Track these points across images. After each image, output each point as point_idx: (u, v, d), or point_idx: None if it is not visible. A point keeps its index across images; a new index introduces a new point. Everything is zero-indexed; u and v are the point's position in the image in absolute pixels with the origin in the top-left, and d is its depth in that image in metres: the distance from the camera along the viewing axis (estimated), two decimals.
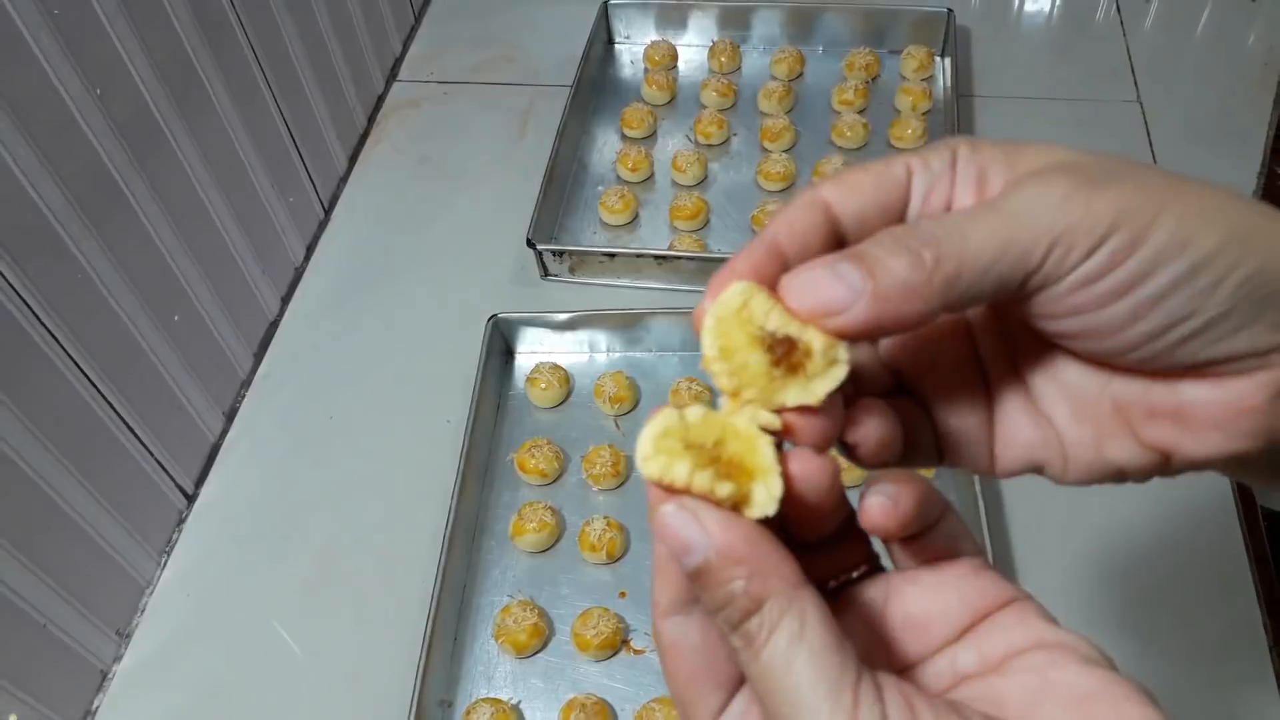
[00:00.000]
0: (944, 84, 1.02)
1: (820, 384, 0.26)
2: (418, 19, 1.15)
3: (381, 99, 1.06)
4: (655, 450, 0.25)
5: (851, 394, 0.29)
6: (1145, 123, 0.98)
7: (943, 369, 0.31)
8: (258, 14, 0.82)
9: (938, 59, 1.04)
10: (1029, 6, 1.12)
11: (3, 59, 0.57)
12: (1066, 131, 0.97)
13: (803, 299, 0.26)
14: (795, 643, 0.24)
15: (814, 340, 0.26)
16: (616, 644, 0.66)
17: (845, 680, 0.24)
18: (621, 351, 0.82)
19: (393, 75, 1.09)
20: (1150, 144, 0.96)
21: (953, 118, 0.94)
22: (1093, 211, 0.25)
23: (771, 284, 0.27)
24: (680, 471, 0.25)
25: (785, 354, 0.26)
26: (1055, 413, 0.30)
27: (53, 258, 0.61)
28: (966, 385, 0.31)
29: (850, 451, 0.29)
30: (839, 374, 0.26)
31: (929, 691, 0.26)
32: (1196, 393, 0.27)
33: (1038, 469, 0.31)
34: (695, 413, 0.26)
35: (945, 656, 0.28)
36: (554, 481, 0.75)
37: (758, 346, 0.26)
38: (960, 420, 0.31)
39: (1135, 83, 1.02)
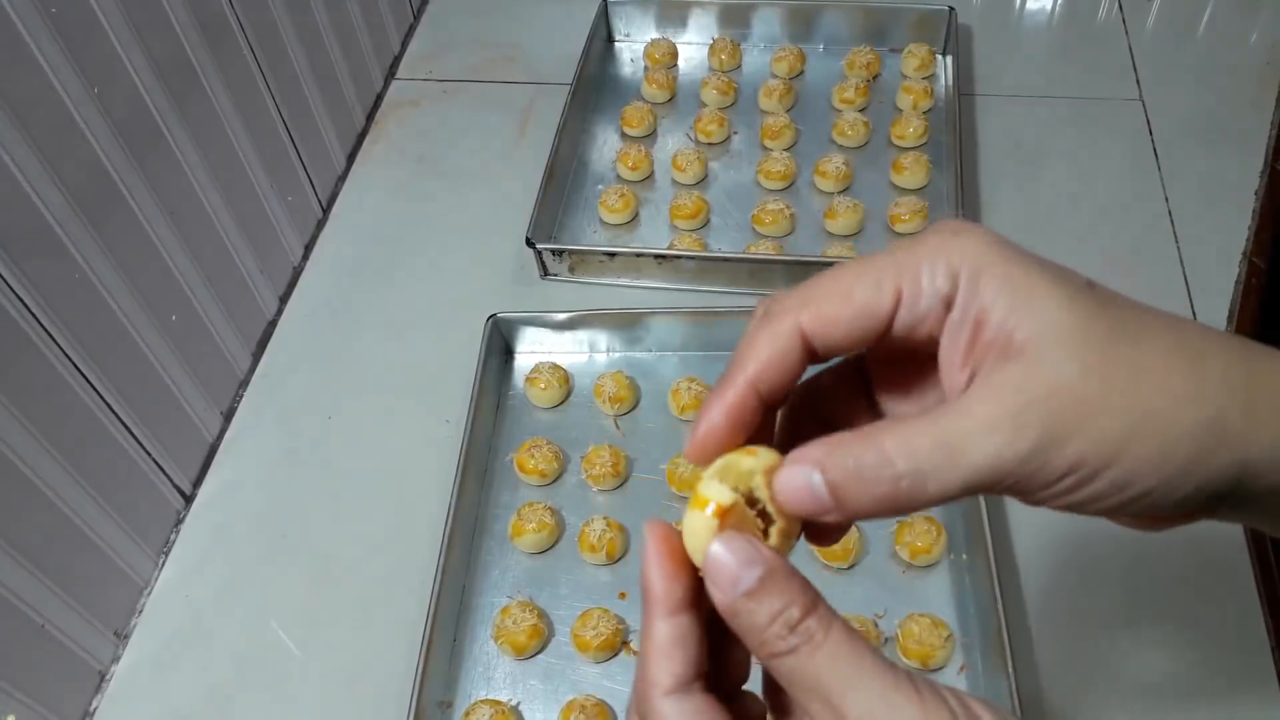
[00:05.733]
0: (945, 82, 1.01)
1: (774, 538, 0.30)
2: (416, 17, 1.15)
3: (380, 98, 1.06)
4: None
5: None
6: (1147, 121, 0.97)
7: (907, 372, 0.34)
8: (256, 13, 0.82)
9: (939, 57, 1.03)
10: (1031, 5, 1.12)
11: (2, 59, 0.57)
12: (1068, 131, 0.97)
13: (787, 506, 0.29)
14: (854, 638, 0.27)
15: (778, 519, 0.30)
16: (616, 645, 0.65)
17: (901, 671, 0.27)
18: (621, 351, 0.82)
19: (391, 74, 1.09)
20: (1152, 143, 0.95)
21: (954, 116, 0.93)
22: (1050, 464, 0.27)
23: (750, 427, 0.30)
24: (726, 495, 0.29)
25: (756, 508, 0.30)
26: None
27: (50, 257, 0.61)
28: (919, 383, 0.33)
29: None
30: (788, 546, 0.30)
31: None
32: None
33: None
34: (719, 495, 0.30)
35: None
36: (553, 482, 0.74)
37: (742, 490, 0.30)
38: (908, 406, 0.33)
39: (1137, 81, 1.02)
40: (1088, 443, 0.27)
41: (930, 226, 0.30)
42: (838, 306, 0.29)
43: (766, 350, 0.29)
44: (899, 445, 0.27)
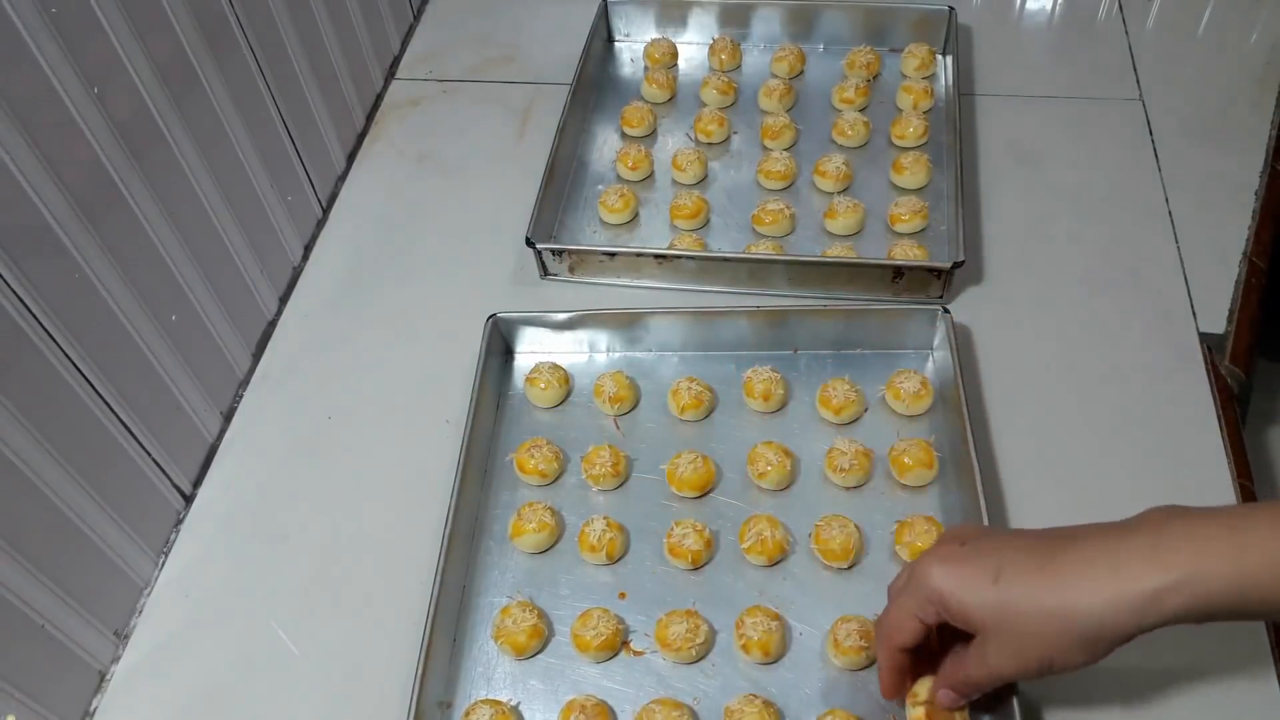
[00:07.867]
0: (945, 82, 1.01)
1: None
2: (417, 17, 1.15)
3: (380, 97, 1.06)
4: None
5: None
6: (1147, 121, 0.97)
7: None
8: (256, 12, 0.82)
9: (939, 57, 1.03)
10: (1031, 4, 1.12)
11: (2, 59, 0.57)
12: (1068, 130, 0.97)
13: (945, 708, 0.58)
14: None
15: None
16: (616, 645, 0.65)
17: None
18: (621, 351, 0.82)
19: (391, 74, 1.09)
20: (1152, 143, 0.95)
21: (954, 116, 0.93)
22: (1024, 667, 0.54)
23: (907, 681, 0.60)
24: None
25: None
26: None
27: (50, 257, 0.61)
28: None
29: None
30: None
31: None
32: None
33: None
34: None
35: None
36: (553, 482, 0.74)
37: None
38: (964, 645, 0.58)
39: (1137, 81, 1.02)
40: (1030, 645, 0.53)
41: (911, 573, 0.56)
42: (898, 634, 0.57)
43: (888, 659, 0.58)
44: (970, 667, 0.55)
